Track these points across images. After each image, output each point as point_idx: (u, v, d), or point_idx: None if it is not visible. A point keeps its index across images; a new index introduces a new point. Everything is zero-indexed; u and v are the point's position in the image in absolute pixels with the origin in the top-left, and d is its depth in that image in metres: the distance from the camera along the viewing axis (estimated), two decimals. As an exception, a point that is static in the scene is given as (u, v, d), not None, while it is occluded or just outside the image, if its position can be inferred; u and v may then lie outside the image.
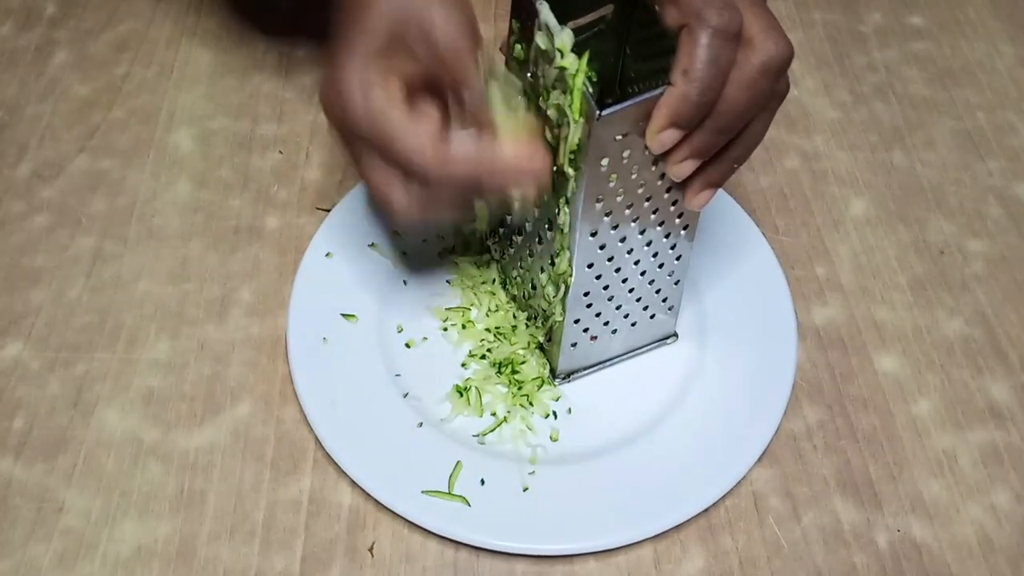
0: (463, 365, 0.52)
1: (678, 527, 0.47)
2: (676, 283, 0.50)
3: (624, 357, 0.53)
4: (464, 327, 0.53)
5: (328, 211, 0.58)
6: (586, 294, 0.46)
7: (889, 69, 0.68)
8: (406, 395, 0.51)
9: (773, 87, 0.38)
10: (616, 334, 0.50)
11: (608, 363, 0.52)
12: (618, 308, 0.49)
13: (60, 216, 0.59)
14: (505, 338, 0.53)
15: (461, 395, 0.51)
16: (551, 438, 0.50)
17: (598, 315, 0.48)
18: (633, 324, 0.50)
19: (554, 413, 0.51)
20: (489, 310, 0.54)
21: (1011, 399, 0.52)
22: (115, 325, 0.54)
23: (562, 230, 0.44)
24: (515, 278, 0.52)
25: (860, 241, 0.59)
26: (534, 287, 0.50)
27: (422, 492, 0.47)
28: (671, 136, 0.38)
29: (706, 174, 0.41)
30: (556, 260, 0.46)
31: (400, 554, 0.46)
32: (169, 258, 0.57)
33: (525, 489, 0.47)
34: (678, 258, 0.48)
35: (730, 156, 0.40)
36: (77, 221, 0.58)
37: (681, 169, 0.40)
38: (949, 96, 0.66)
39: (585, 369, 0.52)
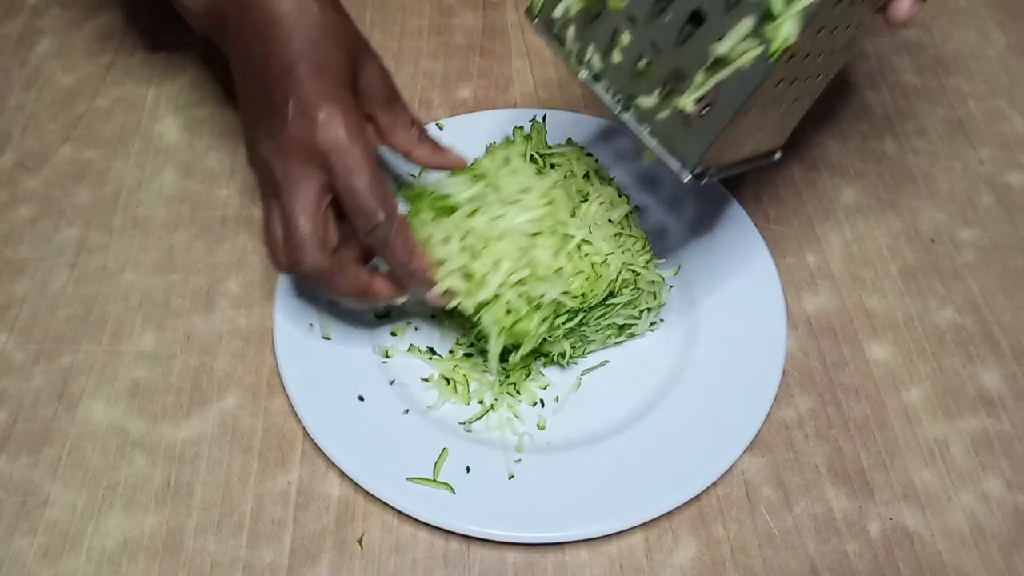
0: (451, 352, 0.52)
1: (669, 516, 0.47)
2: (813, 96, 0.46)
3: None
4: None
5: (316, 201, 0.57)
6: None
7: (880, 57, 0.68)
8: (392, 382, 0.50)
9: None
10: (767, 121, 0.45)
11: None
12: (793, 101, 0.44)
13: (44, 207, 0.58)
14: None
15: (448, 383, 0.50)
16: (538, 426, 0.49)
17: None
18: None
19: (541, 402, 0.50)
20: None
21: (1002, 387, 0.52)
22: (100, 316, 0.53)
23: None
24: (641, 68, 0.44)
25: (851, 230, 0.59)
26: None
27: (407, 479, 0.46)
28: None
29: None
30: (767, 26, 0.39)
31: (390, 545, 0.46)
32: (155, 249, 0.56)
33: (511, 477, 0.47)
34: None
35: None
36: (61, 212, 0.58)
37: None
38: (940, 84, 0.66)
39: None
